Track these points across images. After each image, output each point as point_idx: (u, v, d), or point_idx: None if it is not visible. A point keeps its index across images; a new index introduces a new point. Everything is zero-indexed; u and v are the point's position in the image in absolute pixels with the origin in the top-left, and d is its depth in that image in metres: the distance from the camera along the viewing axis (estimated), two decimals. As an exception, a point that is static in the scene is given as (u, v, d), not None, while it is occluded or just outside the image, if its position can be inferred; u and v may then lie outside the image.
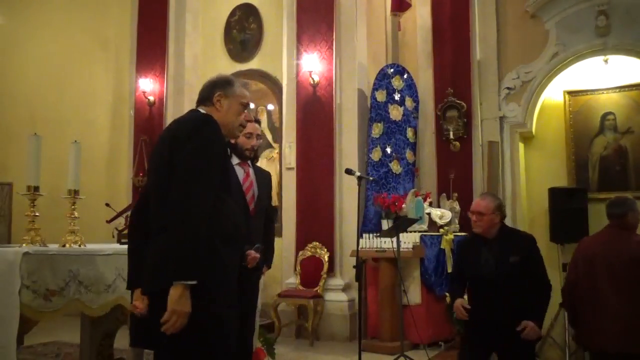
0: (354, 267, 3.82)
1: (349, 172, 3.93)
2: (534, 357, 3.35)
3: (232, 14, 7.73)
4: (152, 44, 7.61)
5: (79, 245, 3.12)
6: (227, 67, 7.57)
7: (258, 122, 3.24)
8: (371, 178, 4.44)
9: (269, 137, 7.68)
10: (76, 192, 3.22)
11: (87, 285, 2.93)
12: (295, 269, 6.30)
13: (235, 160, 3.08)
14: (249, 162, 3.17)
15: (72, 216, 3.15)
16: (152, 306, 2.11)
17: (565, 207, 5.90)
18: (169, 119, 7.24)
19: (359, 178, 3.84)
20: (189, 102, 7.41)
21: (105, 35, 8.37)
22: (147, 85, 7.55)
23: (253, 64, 7.57)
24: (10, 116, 7.12)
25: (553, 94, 6.41)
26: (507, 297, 3.25)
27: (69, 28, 7.97)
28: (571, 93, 6.31)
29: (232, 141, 3.08)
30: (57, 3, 7.83)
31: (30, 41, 7.58)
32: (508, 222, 6.24)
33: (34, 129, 7.35)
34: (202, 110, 2.29)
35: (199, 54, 7.68)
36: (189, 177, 2.02)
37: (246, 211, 2.99)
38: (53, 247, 3.02)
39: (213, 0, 7.86)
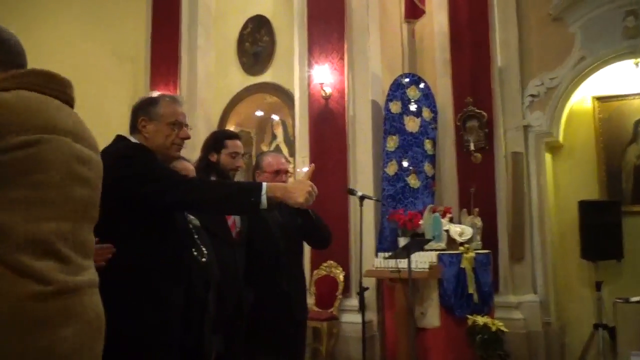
0: (357, 293, 3.54)
1: (351, 192, 3.68)
2: None
3: (245, 26, 7.57)
4: (165, 58, 7.51)
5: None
6: (240, 80, 7.43)
7: (239, 138, 3.02)
8: (374, 199, 4.15)
9: (285, 151, 7.48)
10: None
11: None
12: (310, 289, 6.05)
13: None
14: None
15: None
16: None
17: (598, 221, 5.53)
18: (183, 134, 7.10)
19: (361, 198, 3.58)
20: (202, 118, 7.28)
21: (121, 51, 8.32)
22: (161, 101, 7.44)
23: (267, 77, 7.39)
24: (26, 135, 7.07)
25: (580, 101, 6.04)
26: None
27: (85, 43, 7.94)
28: (600, 99, 5.93)
29: (213, 159, 2.87)
30: (72, 18, 7.83)
31: (45, 57, 7.52)
32: (536, 236, 5.97)
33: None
34: (131, 139, 2.11)
35: (212, 68, 7.55)
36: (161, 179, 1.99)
37: (229, 239, 2.77)
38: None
39: (225, 12, 7.71)
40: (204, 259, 2.29)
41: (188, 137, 2.23)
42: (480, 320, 5.05)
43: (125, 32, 8.27)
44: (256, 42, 7.47)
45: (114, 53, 8.28)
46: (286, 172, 3.09)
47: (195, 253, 2.27)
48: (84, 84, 7.79)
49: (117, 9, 8.18)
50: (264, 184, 1.92)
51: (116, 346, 1.82)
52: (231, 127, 7.42)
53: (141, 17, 7.92)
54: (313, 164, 2.22)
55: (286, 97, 7.11)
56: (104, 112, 8.12)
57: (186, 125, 2.20)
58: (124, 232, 1.93)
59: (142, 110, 2.18)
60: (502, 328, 5.06)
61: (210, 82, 7.42)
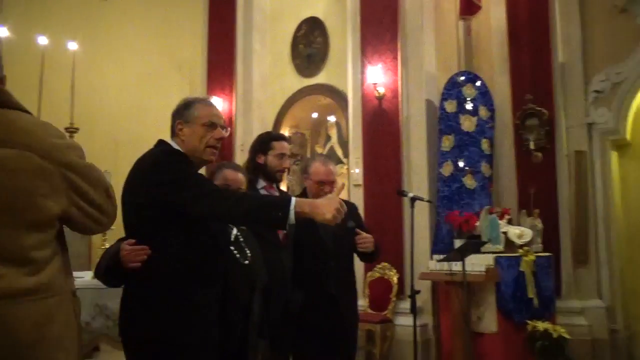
0: (408, 296, 3.48)
1: (401, 193, 3.60)
2: None
3: (298, 28, 7.61)
4: (221, 63, 7.65)
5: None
6: (294, 82, 7.46)
7: (286, 139, 3.00)
8: (425, 200, 4.02)
9: (339, 152, 7.48)
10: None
11: (115, 319, 2.82)
12: (364, 291, 6.00)
13: (260, 184, 2.86)
14: (275, 185, 2.94)
15: (103, 247, 3.08)
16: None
17: (668, 223, 5.22)
18: (239, 138, 7.21)
19: (412, 200, 3.51)
20: (257, 120, 7.35)
21: (180, 58, 8.55)
22: (218, 104, 7.58)
23: (320, 79, 7.40)
24: (94, 141, 7.38)
25: (649, 96, 5.72)
26: None
27: (147, 52, 8.21)
28: (671, 94, 5.59)
29: (260, 160, 2.88)
30: (134, 28, 8.10)
31: (110, 66, 7.87)
32: (601, 239, 5.69)
33: (116, 152, 7.62)
34: (171, 143, 2.15)
35: (267, 71, 7.61)
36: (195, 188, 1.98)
37: (276, 242, 2.77)
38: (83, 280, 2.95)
39: (279, 16, 7.77)
40: (246, 261, 2.29)
41: (223, 137, 2.23)
42: (541, 325, 4.85)
43: (183, 38, 8.51)
44: (310, 44, 7.49)
45: (174, 61, 8.52)
46: (332, 183, 2.94)
47: (237, 255, 2.28)
48: (147, 92, 8.13)
49: (175, 16, 8.43)
50: (293, 199, 1.90)
51: (143, 345, 1.86)
52: (286, 129, 7.47)
53: (198, 24, 8.11)
54: (344, 182, 2.19)
55: (340, 98, 7.09)
56: (165, 116, 8.36)
57: (222, 127, 2.21)
58: (156, 234, 1.96)
59: (179, 115, 2.22)
60: (565, 334, 4.83)
61: (265, 85, 7.49)
